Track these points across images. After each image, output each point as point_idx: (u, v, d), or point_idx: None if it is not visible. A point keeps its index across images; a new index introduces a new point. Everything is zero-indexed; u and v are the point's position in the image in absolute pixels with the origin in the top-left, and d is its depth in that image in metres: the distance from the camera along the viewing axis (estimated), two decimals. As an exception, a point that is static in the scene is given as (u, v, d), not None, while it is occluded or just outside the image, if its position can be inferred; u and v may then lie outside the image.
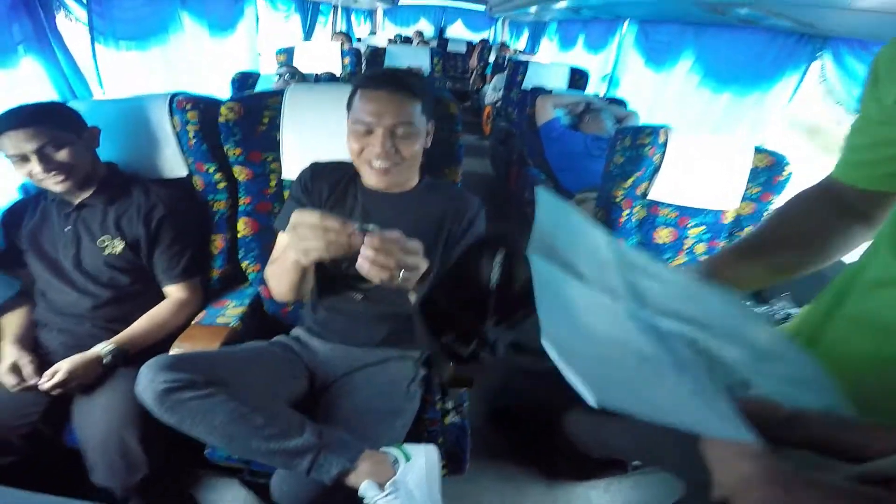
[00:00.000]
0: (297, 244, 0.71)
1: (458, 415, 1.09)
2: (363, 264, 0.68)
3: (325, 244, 0.69)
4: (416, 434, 1.00)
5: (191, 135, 1.19)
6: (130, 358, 1.03)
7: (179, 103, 1.18)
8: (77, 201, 1.10)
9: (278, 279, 0.94)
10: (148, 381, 0.80)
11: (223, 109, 1.11)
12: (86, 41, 1.69)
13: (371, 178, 0.96)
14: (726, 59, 2.18)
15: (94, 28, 1.69)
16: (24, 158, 0.99)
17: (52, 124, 1.01)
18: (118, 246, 1.10)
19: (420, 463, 0.85)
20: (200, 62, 2.45)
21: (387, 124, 0.89)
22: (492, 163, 3.58)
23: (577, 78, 3.07)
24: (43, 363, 1.01)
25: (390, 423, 0.93)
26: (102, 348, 1.02)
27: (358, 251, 0.68)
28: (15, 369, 0.99)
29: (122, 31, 1.83)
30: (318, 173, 1.03)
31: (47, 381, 0.95)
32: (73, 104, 1.17)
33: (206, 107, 1.19)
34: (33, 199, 1.15)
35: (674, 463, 0.87)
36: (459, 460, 1.00)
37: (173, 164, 1.26)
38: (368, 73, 0.95)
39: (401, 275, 0.68)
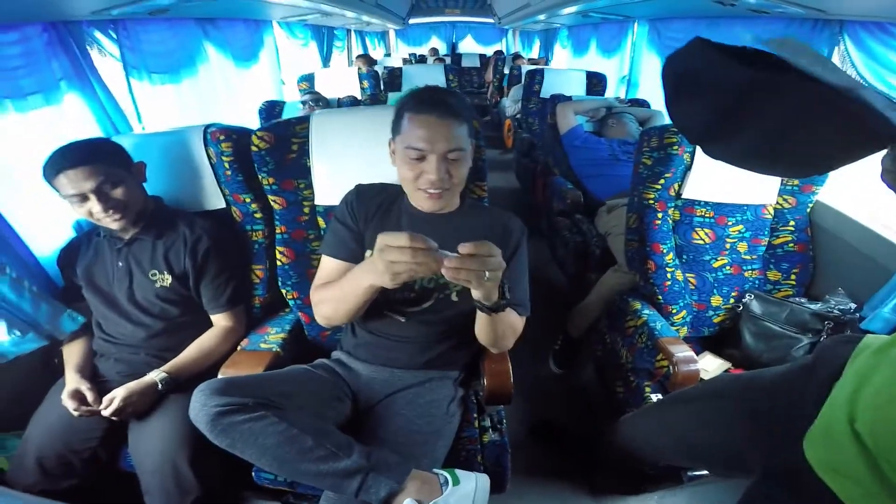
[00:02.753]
0: (388, 267, 0.72)
1: (496, 433, 1.07)
2: (449, 275, 0.70)
3: (415, 265, 0.70)
4: (455, 454, 0.99)
5: (226, 166, 1.22)
6: (182, 384, 1.07)
7: (213, 135, 1.22)
8: (128, 237, 1.14)
9: (337, 304, 0.94)
10: (201, 405, 0.82)
11: (254, 139, 1.14)
12: (121, 76, 1.78)
13: (423, 203, 0.97)
14: None
15: (126, 63, 1.78)
16: (83, 198, 1.02)
17: (106, 161, 1.05)
18: (167, 279, 1.15)
19: (468, 488, 0.84)
20: (228, 92, 2.56)
21: (440, 151, 0.89)
22: (517, 176, 3.56)
23: (595, 82, 3.05)
24: (101, 390, 1.06)
25: (432, 443, 0.93)
26: (156, 375, 1.06)
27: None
28: (76, 395, 1.04)
29: (153, 65, 1.92)
30: (363, 195, 1.05)
31: (105, 408, 1.00)
32: (115, 139, 1.23)
33: (238, 137, 1.23)
34: (86, 236, 1.21)
35: (727, 458, 0.84)
36: (501, 478, 0.98)
37: (212, 195, 1.30)
38: (415, 96, 0.94)
39: (486, 276, 0.72)
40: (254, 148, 1.14)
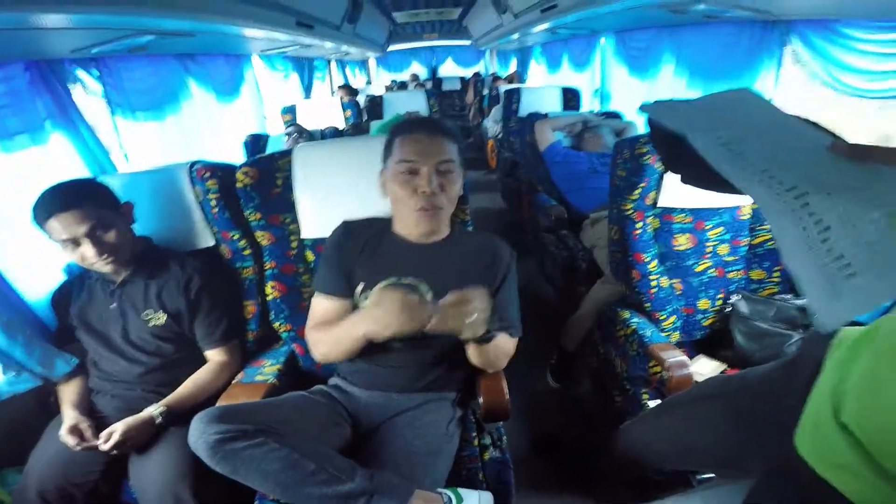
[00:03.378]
0: (380, 320, 0.79)
1: (497, 449, 1.07)
2: (437, 329, 0.79)
3: (406, 321, 0.79)
4: (457, 473, 0.99)
5: (213, 203, 1.23)
6: (180, 417, 1.07)
7: (199, 172, 1.23)
8: (120, 279, 1.15)
9: (332, 346, 0.98)
10: (199, 433, 0.82)
11: (239, 175, 1.15)
12: (105, 114, 1.78)
13: (414, 227, 0.99)
14: (706, 57, 2.20)
15: (110, 101, 1.78)
16: (75, 242, 1.02)
17: (96, 204, 1.05)
18: (161, 318, 1.15)
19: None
20: (212, 127, 2.57)
21: (432, 162, 0.93)
22: (502, 195, 3.61)
23: (570, 98, 3.14)
24: (99, 426, 1.06)
25: (432, 464, 0.93)
26: (154, 410, 1.07)
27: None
28: (75, 431, 1.04)
29: (136, 102, 1.94)
30: (350, 230, 1.07)
31: (105, 442, 1.00)
32: (102, 179, 1.24)
33: (223, 174, 1.24)
34: (78, 278, 1.21)
35: (725, 459, 0.85)
36: (505, 494, 0.98)
37: (201, 233, 1.31)
38: (404, 122, 1.00)
39: (471, 319, 0.80)
40: (239, 184, 1.15)
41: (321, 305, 1.05)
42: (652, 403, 1.20)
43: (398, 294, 0.79)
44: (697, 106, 0.52)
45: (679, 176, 0.63)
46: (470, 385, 1.13)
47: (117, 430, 1.01)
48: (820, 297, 0.38)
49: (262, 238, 1.22)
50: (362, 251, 1.03)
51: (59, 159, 1.53)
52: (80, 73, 1.67)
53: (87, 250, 1.03)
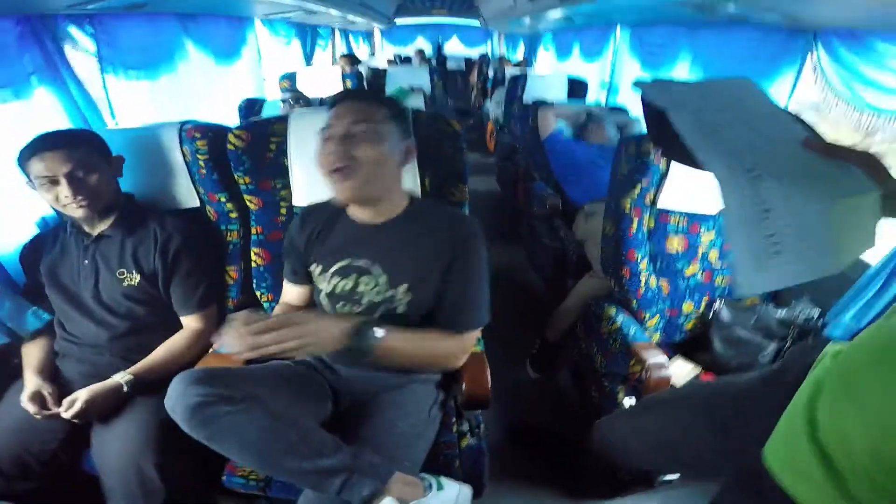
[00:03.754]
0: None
1: (474, 437, 1.07)
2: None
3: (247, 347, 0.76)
4: (434, 458, 0.98)
5: (201, 164, 1.20)
6: (148, 386, 1.04)
7: (189, 132, 1.20)
8: (95, 233, 1.12)
9: None
10: (178, 395, 0.78)
11: (231, 137, 1.12)
12: (96, 72, 1.73)
13: (337, 193, 0.94)
14: (723, 58, 2.17)
15: (102, 58, 1.74)
16: (53, 181, 1.01)
17: (84, 149, 1.04)
18: (135, 278, 1.12)
19: (450, 495, 0.85)
20: (208, 90, 2.51)
21: (340, 127, 0.89)
22: (498, 180, 3.58)
23: (576, 88, 3.09)
24: (63, 392, 1.02)
25: (413, 447, 0.92)
26: (121, 377, 1.03)
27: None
28: (36, 398, 1.01)
29: (130, 61, 1.88)
30: (307, 216, 1.05)
31: (67, 410, 0.97)
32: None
33: (214, 135, 1.21)
34: (52, 231, 1.18)
35: (695, 463, 0.87)
36: (478, 483, 0.98)
37: (185, 194, 1.28)
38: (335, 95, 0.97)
39: (300, 343, 0.77)
40: (230, 146, 1.12)
41: (286, 290, 1.09)
42: (627, 401, 1.21)
43: (236, 323, 0.76)
44: (692, 88, 0.59)
45: (671, 157, 0.77)
46: (452, 370, 1.13)
47: (80, 397, 0.98)
48: (745, 267, 0.45)
49: (251, 202, 1.19)
50: (318, 235, 1.02)
51: (42, 115, 1.49)
52: (73, 31, 1.62)
53: (63, 190, 1.01)
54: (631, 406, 1.19)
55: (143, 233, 1.14)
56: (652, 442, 0.98)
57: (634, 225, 1.27)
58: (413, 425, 0.95)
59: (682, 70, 2.48)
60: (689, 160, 0.50)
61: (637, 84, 0.59)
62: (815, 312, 1.24)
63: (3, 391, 1.10)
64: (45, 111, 1.49)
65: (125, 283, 1.11)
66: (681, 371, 1.28)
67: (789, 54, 1.77)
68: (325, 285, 1.00)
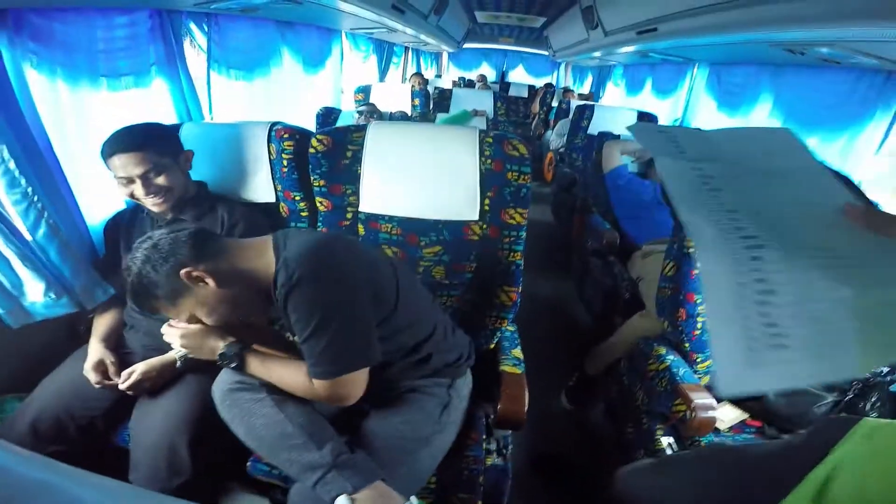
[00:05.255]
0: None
1: (500, 457, 1.07)
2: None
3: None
4: (458, 471, 0.98)
5: (284, 163, 1.30)
6: (199, 365, 1.06)
7: (278, 132, 1.30)
8: (168, 217, 1.20)
9: None
10: (219, 379, 0.89)
11: (314, 141, 1.20)
12: (202, 68, 1.90)
13: None
14: (809, 101, 2.06)
15: (211, 56, 1.90)
16: (129, 181, 1.09)
17: (156, 149, 1.11)
18: None
19: None
20: (293, 95, 2.69)
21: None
22: (553, 210, 3.56)
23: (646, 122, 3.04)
24: (123, 363, 1.09)
25: (415, 451, 0.91)
26: (176, 353, 1.07)
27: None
28: (99, 367, 1.07)
29: (233, 61, 2.05)
30: None
31: (124, 382, 1.03)
32: (188, 125, 1.33)
33: (300, 138, 1.30)
34: (131, 210, 1.28)
35: None
36: (497, 503, 0.97)
37: (263, 189, 1.38)
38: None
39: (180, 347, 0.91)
40: (311, 150, 1.20)
41: None
42: (665, 440, 1.18)
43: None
44: (702, 135, 0.48)
45: None
46: (486, 386, 1.13)
47: (137, 369, 1.03)
48: (731, 359, 0.35)
49: (321, 204, 1.26)
50: None
51: (155, 104, 1.64)
52: (193, 27, 1.79)
53: (138, 189, 1.10)
54: (651, 461, 1.15)
55: (211, 218, 1.21)
56: (663, 499, 0.94)
57: (698, 268, 1.23)
58: (416, 430, 0.93)
59: (763, 111, 2.39)
60: None
61: (630, 129, 0.51)
62: (885, 368, 1.15)
63: (64, 357, 1.16)
64: (157, 101, 1.65)
65: None
66: (727, 416, 1.24)
67: (884, 99, 1.68)
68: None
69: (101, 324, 1.19)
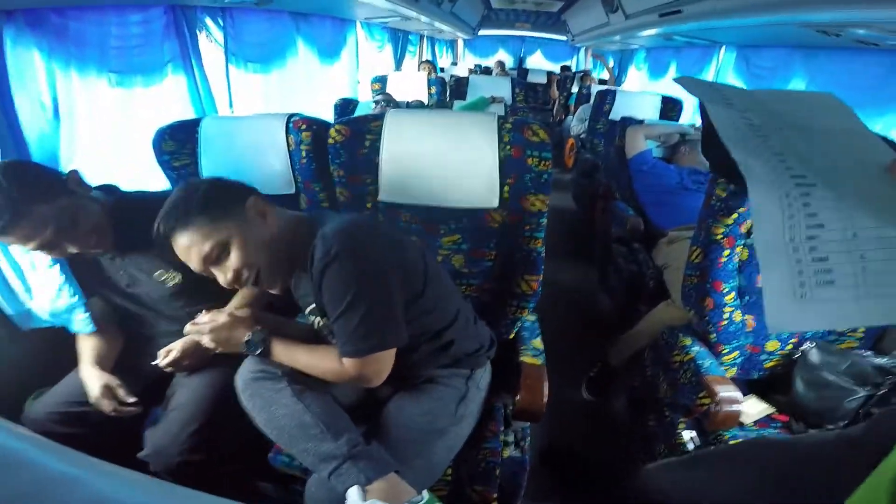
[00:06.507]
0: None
1: (517, 449, 1.06)
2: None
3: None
4: (474, 463, 0.98)
5: (303, 154, 1.30)
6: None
7: (296, 124, 1.30)
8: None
9: None
10: (242, 368, 0.90)
11: (332, 132, 1.19)
12: (218, 62, 1.92)
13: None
14: (844, 84, 1.97)
15: (227, 50, 1.92)
16: None
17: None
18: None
19: None
20: (309, 86, 2.71)
21: (194, 260, 0.83)
22: (574, 197, 3.50)
23: (670, 107, 2.94)
24: (149, 346, 1.07)
25: (431, 442, 0.91)
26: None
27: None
28: (107, 393, 1.01)
29: (251, 55, 2.07)
30: None
31: (163, 359, 1.02)
32: (206, 120, 1.34)
33: (318, 128, 1.30)
34: None
35: None
36: (513, 496, 0.97)
37: (283, 181, 1.38)
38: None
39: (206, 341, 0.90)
40: (330, 140, 1.19)
41: None
42: (686, 434, 1.15)
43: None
44: (749, 92, 0.47)
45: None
46: (505, 376, 1.12)
47: (176, 347, 1.02)
48: (780, 295, 0.34)
49: (341, 195, 1.26)
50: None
51: (170, 99, 1.66)
52: (208, 22, 1.80)
53: None
54: (684, 457, 1.12)
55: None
56: (700, 496, 0.91)
57: (725, 255, 1.19)
58: (433, 422, 0.93)
59: (794, 95, 2.28)
60: (737, 175, 0.40)
61: (678, 80, 0.49)
62: None
63: None
64: (172, 97, 1.67)
65: None
66: (752, 410, 1.21)
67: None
68: (312, 324, 1.01)
69: (90, 345, 1.09)
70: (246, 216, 0.85)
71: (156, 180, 1.42)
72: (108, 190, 1.08)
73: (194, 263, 0.83)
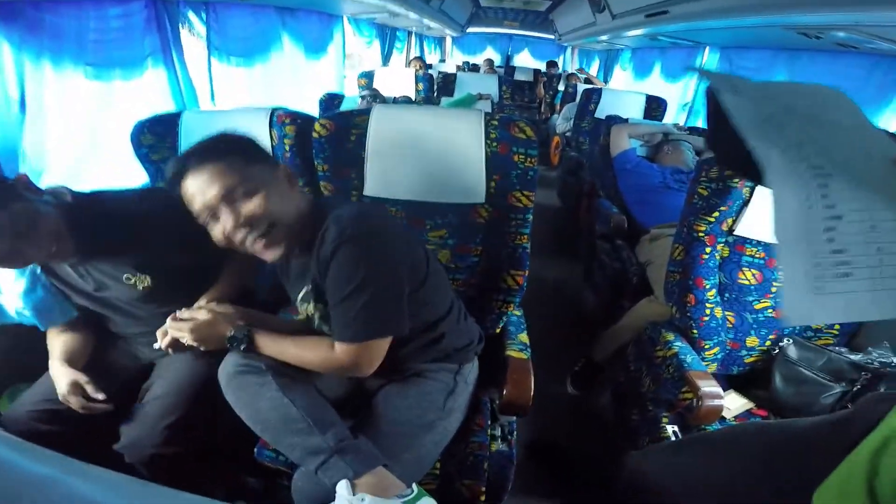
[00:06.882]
0: None
1: (504, 443, 1.06)
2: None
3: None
4: (462, 457, 0.98)
5: (286, 149, 1.28)
6: None
7: (279, 118, 1.28)
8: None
9: None
10: (225, 362, 0.89)
11: (317, 126, 1.17)
12: (199, 55, 1.89)
13: (266, 259, 0.88)
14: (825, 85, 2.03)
15: (210, 44, 1.89)
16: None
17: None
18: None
19: None
20: (294, 80, 2.68)
21: (214, 198, 0.80)
22: (559, 194, 3.53)
23: (654, 107, 2.98)
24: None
25: (419, 436, 0.91)
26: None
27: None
28: (76, 390, 0.97)
29: (234, 49, 2.04)
30: None
31: (162, 340, 0.93)
32: (188, 112, 1.31)
33: (302, 123, 1.29)
34: None
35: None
36: (500, 490, 0.98)
37: (267, 175, 1.37)
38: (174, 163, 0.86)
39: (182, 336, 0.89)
40: (315, 134, 1.18)
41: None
42: (669, 428, 1.17)
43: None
44: (762, 84, 0.47)
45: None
46: (492, 371, 1.13)
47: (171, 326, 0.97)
48: (798, 289, 0.34)
49: (326, 189, 1.25)
50: (281, 267, 1.00)
51: (149, 93, 1.63)
52: (191, 16, 1.77)
53: None
54: (671, 441, 1.14)
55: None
56: (694, 484, 0.92)
57: (707, 252, 1.22)
58: (421, 416, 0.93)
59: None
60: (746, 168, 0.40)
61: (697, 70, 0.49)
62: (894, 360, 1.14)
63: None
64: (152, 90, 1.64)
65: None
66: (732, 405, 1.24)
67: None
68: (301, 312, 0.98)
69: (60, 343, 1.06)
70: (277, 175, 0.86)
71: (133, 174, 1.39)
72: (59, 193, 1.00)
73: (209, 195, 0.79)
